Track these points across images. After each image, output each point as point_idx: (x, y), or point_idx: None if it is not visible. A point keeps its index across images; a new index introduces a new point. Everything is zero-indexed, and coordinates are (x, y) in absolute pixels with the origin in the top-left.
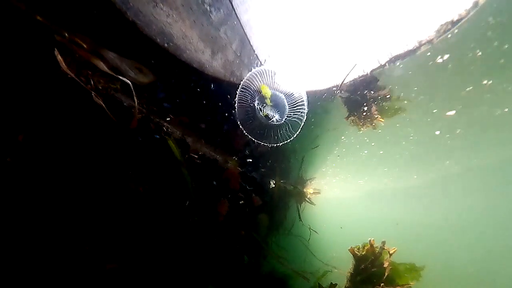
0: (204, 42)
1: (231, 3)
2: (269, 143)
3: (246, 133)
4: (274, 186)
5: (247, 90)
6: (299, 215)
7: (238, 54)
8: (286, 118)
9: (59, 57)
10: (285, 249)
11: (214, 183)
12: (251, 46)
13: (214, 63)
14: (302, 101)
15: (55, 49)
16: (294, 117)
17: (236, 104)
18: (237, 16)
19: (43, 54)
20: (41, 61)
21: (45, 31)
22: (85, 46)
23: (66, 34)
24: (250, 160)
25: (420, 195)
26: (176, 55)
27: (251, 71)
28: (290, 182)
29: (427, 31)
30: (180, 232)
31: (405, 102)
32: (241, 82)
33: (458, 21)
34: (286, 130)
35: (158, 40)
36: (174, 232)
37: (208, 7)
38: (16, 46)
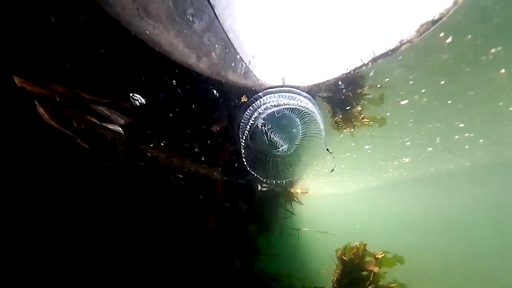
0: (189, 49)
1: (214, 11)
2: (269, 180)
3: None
4: (261, 189)
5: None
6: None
7: (222, 58)
8: (296, 145)
9: (41, 110)
10: (276, 251)
11: (201, 197)
12: (235, 49)
13: (200, 65)
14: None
15: (36, 102)
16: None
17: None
18: (219, 22)
19: (24, 109)
20: (24, 114)
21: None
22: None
23: (61, 89)
24: (236, 168)
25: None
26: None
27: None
28: (278, 184)
29: (408, 31)
30: (174, 243)
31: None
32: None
33: (438, 20)
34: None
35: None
36: (168, 243)
37: (190, 17)
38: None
